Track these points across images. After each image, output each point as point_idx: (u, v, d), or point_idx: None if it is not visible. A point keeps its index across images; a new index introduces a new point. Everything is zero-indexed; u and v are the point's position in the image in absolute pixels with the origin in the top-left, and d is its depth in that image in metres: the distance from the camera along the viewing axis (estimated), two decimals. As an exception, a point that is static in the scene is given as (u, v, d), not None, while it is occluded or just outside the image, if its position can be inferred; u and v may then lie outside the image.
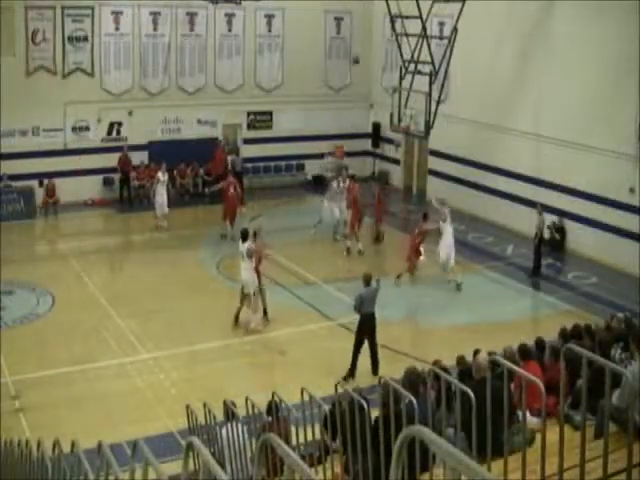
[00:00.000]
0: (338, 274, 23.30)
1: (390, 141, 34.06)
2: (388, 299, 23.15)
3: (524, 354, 11.78)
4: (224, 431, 10.42)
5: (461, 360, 12.42)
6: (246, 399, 10.24)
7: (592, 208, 24.63)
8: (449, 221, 22.84)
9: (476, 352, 12.43)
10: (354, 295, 17.44)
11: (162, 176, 27.21)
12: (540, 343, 12.80)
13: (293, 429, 9.90)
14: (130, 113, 30.82)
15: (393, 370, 11.56)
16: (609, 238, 24.05)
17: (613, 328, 13.43)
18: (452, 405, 7.97)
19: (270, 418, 10.28)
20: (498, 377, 7.71)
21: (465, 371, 11.14)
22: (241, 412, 10.53)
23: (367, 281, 17.38)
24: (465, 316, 20.30)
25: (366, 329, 17.08)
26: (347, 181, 26.25)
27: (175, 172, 31.29)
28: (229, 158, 31.69)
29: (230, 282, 22.58)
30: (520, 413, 7.56)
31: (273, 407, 10.35)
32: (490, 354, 9.98)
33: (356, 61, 34.62)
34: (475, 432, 7.09)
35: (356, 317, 18.97)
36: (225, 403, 10.90)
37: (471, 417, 7.13)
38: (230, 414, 10.61)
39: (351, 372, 16.88)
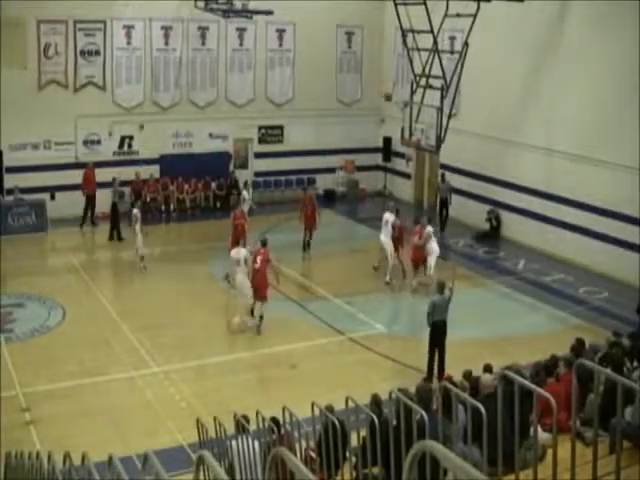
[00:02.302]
0: (349, 288, 23.24)
1: (401, 155, 34.09)
2: (398, 314, 23.25)
3: (548, 370, 11.79)
4: (234, 445, 10.40)
5: (468, 375, 12.39)
6: (257, 413, 10.23)
7: (602, 222, 24.58)
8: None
9: (486, 368, 12.46)
10: (429, 302, 17.46)
11: None
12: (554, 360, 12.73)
13: (303, 443, 9.90)
14: (141, 127, 30.94)
15: (403, 384, 11.51)
16: (620, 252, 23.98)
17: (622, 344, 13.37)
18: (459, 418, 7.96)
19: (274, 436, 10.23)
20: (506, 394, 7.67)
21: (472, 387, 11.14)
22: (251, 426, 10.52)
23: (441, 289, 17.53)
24: (476, 331, 20.24)
25: (438, 336, 17.26)
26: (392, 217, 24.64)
27: (187, 186, 31.46)
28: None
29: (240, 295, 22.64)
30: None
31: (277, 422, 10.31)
32: (508, 367, 9.97)
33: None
34: (485, 447, 7.07)
35: (365, 332, 19.07)
36: (235, 416, 10.88)
37: (481, 432, 7.11)
38: (241, 428, 10.59)
39: (429, 377, 16.98)
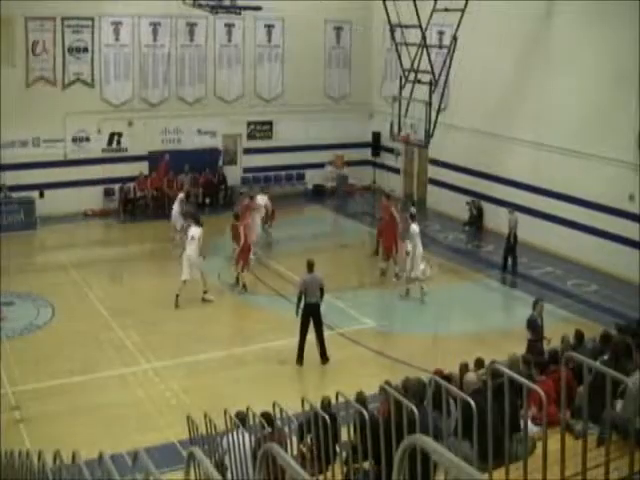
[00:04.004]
0: (338, 283, 23.21)
1: (390, 150, 34.06)
2: (390, 309, 23.25)
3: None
4: (225, 441, 10.39)
5: (464, 368, 12.40)
6: (247, 409, 10.23)
7: (593, 216, 24.65)
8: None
9: (477, 362, 12.48)
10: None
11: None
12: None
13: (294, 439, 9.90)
14: (130, 123, 30.89)
15: (395, 380, 11.55)
16: (609, 246, 24.04)
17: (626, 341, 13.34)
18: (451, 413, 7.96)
19: (269, 429, 10.22)
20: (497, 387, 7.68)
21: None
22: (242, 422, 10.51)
23: (310, 267, 18.11)
24: (467, 325, 20.29)
25: (311, 318, 17.90)
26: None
27: (176, 183, 31.44)
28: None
29: (232, 292, 22.66)
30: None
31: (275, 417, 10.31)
32: (493, 362, 9.99)
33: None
34: (476, 441, 7.08)
35: (355, 327, 19.04)
36: (226, 413, 10.87)
37: (471, 426, 7.11)
38: (232, 424, 10.57)
39: (300, 359, 18.13)
